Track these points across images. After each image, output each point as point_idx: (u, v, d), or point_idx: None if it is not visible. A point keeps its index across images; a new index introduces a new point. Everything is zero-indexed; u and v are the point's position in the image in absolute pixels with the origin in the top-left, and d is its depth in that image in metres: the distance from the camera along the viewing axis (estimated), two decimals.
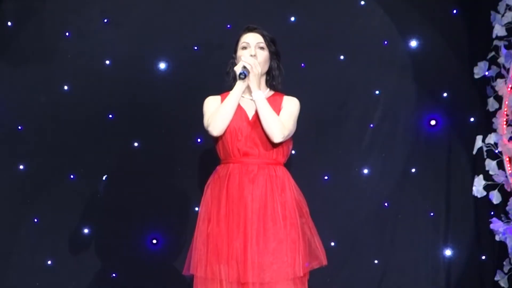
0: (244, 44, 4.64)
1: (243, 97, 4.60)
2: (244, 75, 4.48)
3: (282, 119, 4.57)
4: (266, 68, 4.65)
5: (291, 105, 4.67)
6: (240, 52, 4.64)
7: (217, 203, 4.54)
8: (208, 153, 5.71)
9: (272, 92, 4.68)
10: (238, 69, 4.54)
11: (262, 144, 4.57)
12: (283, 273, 4.47)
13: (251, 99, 4.60)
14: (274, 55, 4.69)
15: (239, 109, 4.58)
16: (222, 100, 4.63)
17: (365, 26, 5.89)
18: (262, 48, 4.64)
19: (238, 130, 4.56)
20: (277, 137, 4.54)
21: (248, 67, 4.51)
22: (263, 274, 4.45)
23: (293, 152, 5.85)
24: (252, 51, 4.60)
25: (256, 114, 4.59)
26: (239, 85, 4.54)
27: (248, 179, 4.53)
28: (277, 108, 4.62)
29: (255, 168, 4.55)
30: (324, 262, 4.68)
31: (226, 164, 4.59)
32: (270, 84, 4.69)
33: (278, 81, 4.71)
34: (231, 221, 4.50)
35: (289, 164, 5.83)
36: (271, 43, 4.66)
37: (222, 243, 4.48)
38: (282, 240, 4.49)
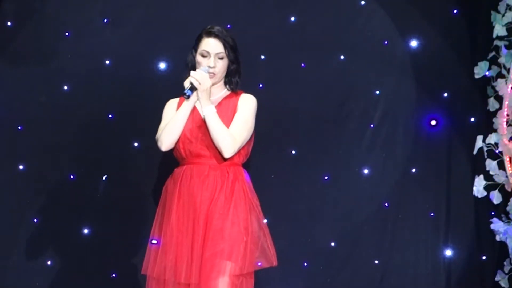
0: (204, 53, 4.60)
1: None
2: (188, 96, 4.49)
3: (233, 130, 4.54)
4: (223, 75, 4.64)
5: (246, 107, 4.64)
6: (199, 58, 4.60)
7: (170, 204, 4.56)
8: None
9: (229, 92, 4.67)
10: (186, 85, 4.54)
11: (215, 146, 4.57)
12: (220, 270, 4.46)
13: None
14: (233, 61, 4.68)
15: (192, 110, 4.59)
16: (180, 105, 4.63)
17: (365, 26, 5.89)
18: (221, 58, 4.63)
19: (189, 132, 4.56)
20: (227, 153, 4.54)
21: (196, 83, 4.50)
22: (209, 274, 4.46)
23: (293, 152, 5.85)
24: (212, 63, 4.58)
25: None
26: (187, 105, 4.55)
27: (199, 180, 4.54)
28: (232, 109, 4.61)
29: (206, 169, 4.55)
30: (275, 262, 4.67)
31: (181, 166, 4.62)
32: (228, 86, 4.69)
33: (236, 85, 4.70)
34: (180, 222, 4.52)
35: (290, 164, 5.86)
36: (231, 51, 4.64)
37: (171, 244, 4.50)
38: (229, 241, 4.49)
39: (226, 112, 4.60)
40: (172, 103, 4.72)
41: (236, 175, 4.61)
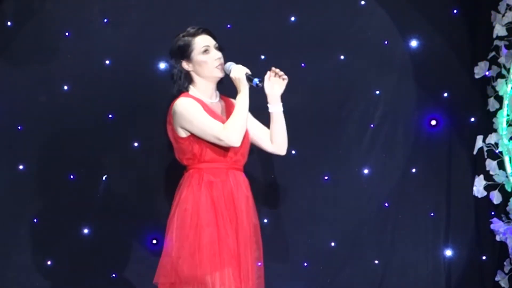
0: (205, 48, 4.57)
1: (212, 101, 4.60)
2: (262, 80, 4.48)
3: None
4: None
5: None
6: (201, 57, 4.55)
7: (210, 209, 4.50)
8: None
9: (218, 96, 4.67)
10: (242, 74, 4.49)
11: (247, 153, 4.58)
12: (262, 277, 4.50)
13: (217, 103, 4.60)
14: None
15: (218, 116, 4.56)
16: (203, 105, 4.57)
17: (365, 26, 5.88)
18: (218, 48, 4.63)
19: None
20: (286, 149, 4.59)
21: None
22: (257, 280, 4.47)
23: (293, 152, 5.85)
24: (218, 53, 4.57)
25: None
26: (247, 98, 4.51)
27: (240, 186, 4.53)
28: (230, 112, 4.60)
29: (241, 176, 4.56)
30: None
31: (212, 169, 4.55)
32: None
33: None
34: (228, 226, 4.49)
35: (290, 164, 5.85)
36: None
37: (223, 248, 4.46)
38: (259, 247, 4.52)
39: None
40: (193, 102, 4.59)
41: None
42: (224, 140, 4.44)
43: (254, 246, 4.54)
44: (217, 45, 4.60)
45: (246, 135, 4.57)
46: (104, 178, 5.85)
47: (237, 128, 4.45)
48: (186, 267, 4.45)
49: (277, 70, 4.56)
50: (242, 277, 4.43)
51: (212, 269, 4.42)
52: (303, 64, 5.87)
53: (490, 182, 5.64)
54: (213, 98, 4.63)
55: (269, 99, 4.58)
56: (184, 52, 4.58)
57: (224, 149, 4.52)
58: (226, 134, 4.45)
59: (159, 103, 5.85)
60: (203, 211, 4.51)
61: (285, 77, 4.58)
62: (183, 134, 4.57)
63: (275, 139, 4.60)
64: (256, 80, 4.46)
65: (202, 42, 4.58)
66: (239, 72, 4.51)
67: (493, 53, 5.69)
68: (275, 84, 4.58)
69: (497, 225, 5.60)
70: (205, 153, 4.54)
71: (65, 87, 5.82)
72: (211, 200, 4.53)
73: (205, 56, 4.56)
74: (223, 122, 4.51)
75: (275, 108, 4.57)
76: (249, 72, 4.50)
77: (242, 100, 4.50)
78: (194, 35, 4.59)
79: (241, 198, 4.51)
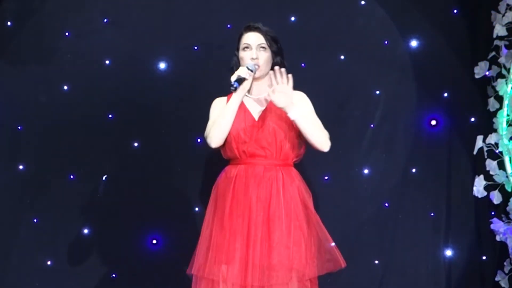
0: (245, 45, 4.61)
1: (247, 96, 4.59)
2: (235, 88, 4.46)
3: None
4: (268, 68, 4.61)
5: (307, 104, 4.65)
6: (241, 53, 4.62)
7: (222, 204, 4.52)
8: (207, 153, 5.70)
9: None
10: (233, 79, 4.51)
11: (270, 145, 4.54)
12: (284, 276, 4.44)
13: (257, 98, 4.60)
14: (277, 53, 4.66)
15: (243, 110, 4.56)
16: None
17: (365, 26, 5.88)
18: (263, 48, 4.61)
19: (243, 132, 4.52)
20: (327, 147, 4.58)
21: (247, 76, 4.49)
22: (264, 277, 4.43)
23: None
24: (254, 54, 4.57)
25: (263, 115, 4.57)
26: (235, 97, 4.51)
27: (254, 180, 4.50)
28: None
29: (261, 170, 4.52)
30: (343, 264, 4.66)
31: (234, 165, 4.57)
32: None
33: None
34: (234, 223, 4.48)
35: None
36: (273, 42, 4.63)
37: (223, 244, 4.47)
38: (286, 244, 4.46)
39: (280, 110, 4.57)
40: (219, 102, 4.65)
41: (291, 175, 4.59)
42: (205, 138, 4.54)
43: (274, 241, 4.50)
44: (263, 44, 4.59)
45: (267, 127, 4.56)
46: (104, 178, 5.85)
47: (215, 129, 4.51)
48: (193, 261, 4.54)
49: (277, 79, 4.53)
50: (250, 275, 4.41)
51: (203, 265, 4.46)
52: (303, 64, 5.87)
53: (490, 182, 5.64)
54: (253, 94, 4.63)
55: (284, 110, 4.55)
56: (237, 44, 4.65)
57: (236, 146, 4.53)
58: (206, 134, 4.54)
59: (159, 103, 5.86)
60: (210, 208, 4.57)
61: (287, 80, 4.54)
62: None
63: (307, 140, 4.61)
64: (236, 83, 4.47)
65: (246, 39, 4.61)
66: (235, 74, 4.53)
67: (493, 53, 5.69)
68: (280, 94, 4.53)
69: (497, 225, 5.60)
70: (224, 150, 4.60)
71: (65, 87, 5.82)
72: (214, 198, 4.58)
73: (243, 53, 4.61)
74: (250, 120, 4.54)
75: (291, 115, 4.54)
76: (242, 76, 4.48)
77: (230, 102, 4.53)
78: (246, 30, 4.64)
79: (252, 194, 4.50)
